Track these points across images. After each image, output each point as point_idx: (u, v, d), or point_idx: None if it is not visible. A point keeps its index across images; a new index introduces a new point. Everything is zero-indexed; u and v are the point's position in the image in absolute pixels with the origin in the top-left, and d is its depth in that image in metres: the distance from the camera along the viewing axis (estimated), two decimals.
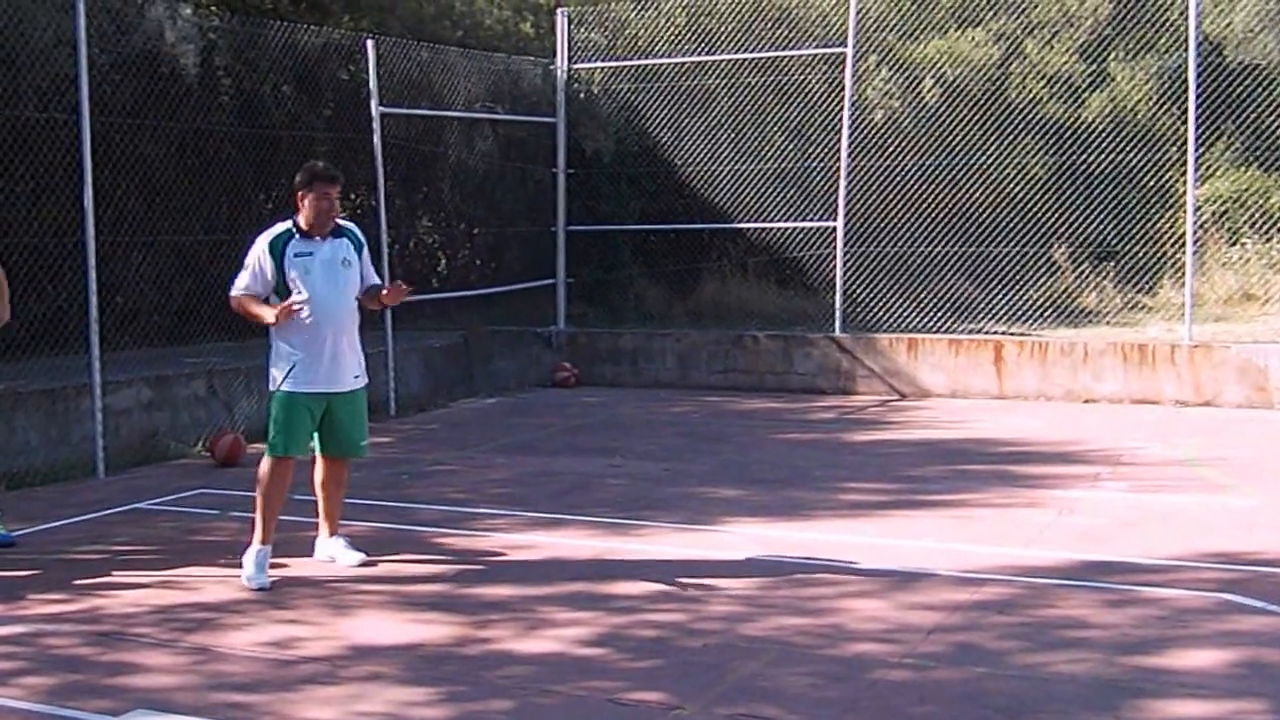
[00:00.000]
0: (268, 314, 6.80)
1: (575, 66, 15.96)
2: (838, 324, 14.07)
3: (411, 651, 5.59)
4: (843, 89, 14.20)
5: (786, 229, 15.38)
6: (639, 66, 16.00)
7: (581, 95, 16.42)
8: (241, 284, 6.97)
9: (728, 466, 9.94)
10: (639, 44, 16.24)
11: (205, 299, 13.77)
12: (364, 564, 7.04)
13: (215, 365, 11.70)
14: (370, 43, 12.77)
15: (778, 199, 15.53)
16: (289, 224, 6.97)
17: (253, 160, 14.60)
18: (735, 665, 5.37)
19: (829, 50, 14.71)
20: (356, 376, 7.02)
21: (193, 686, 5.16)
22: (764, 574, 6.80)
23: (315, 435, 6.98)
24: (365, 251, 7.16)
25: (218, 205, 14.96)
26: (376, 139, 12.80)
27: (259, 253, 6.90)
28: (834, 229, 14.21)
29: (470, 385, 14.44)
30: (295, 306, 6.72)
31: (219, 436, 10.34)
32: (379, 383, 12.92)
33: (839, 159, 14.16)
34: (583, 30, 16.05)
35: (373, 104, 12.75)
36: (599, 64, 16.10)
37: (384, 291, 7.14)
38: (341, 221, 7.08)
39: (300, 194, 6.94)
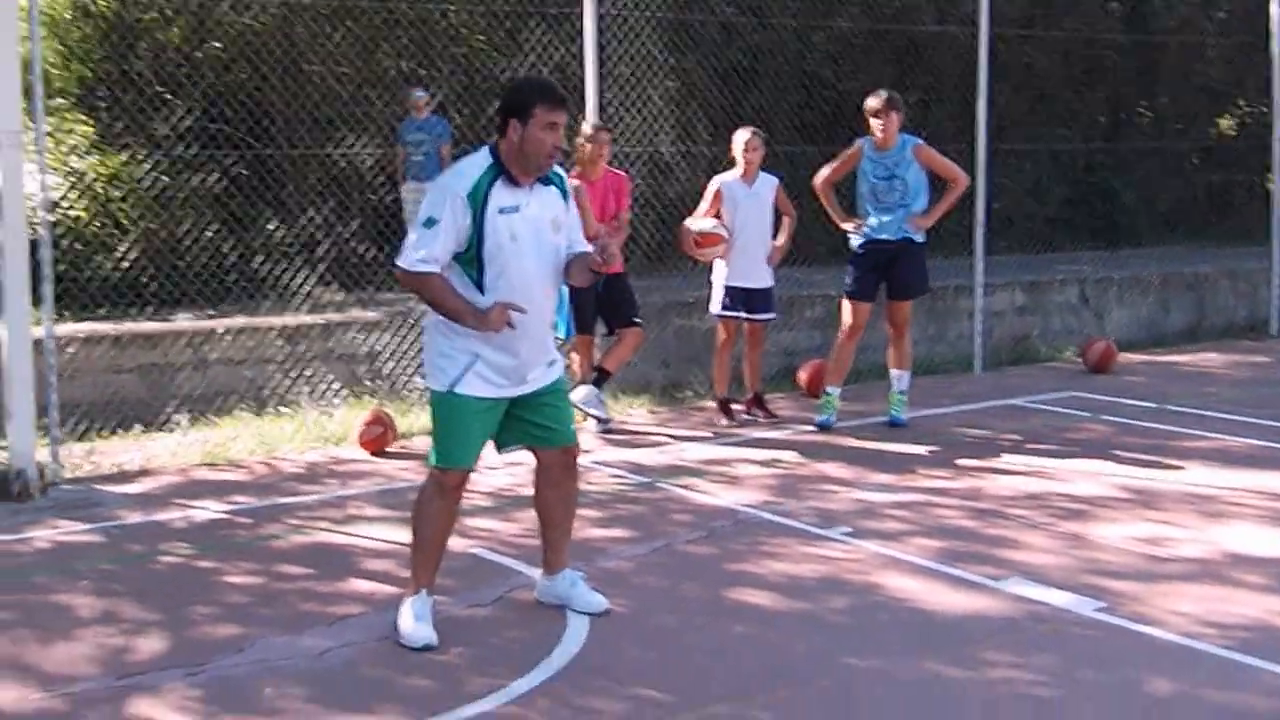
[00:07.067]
0: (471, 318, 4.51)
1: None
2: None
3: None
4: None
5: None
6: None
7: None
8: (423, 254, 4.47)
9: None
10: None
11: (1080, 208, 13.99)
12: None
13: (1088, 274, 11.86)
14: None
15: None
16: (488, 158, 4.54)
17: (1135, 68, 14.47)
18: None
19: None
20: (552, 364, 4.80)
21: (1066, 567, 5.49)
22: None
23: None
24: (574, 206, 4.87)
25: (1096, 114, 15.06)
26: (1276, 44, 12.02)
27: (449, 201, 4.46)
28: None
29: None
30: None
31: (1091, 343, 10.52)
32: (1261, 300, 12.39)
33: None
34: None
35: (1273, 4, 11.98)
36: None
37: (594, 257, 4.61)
38: None
39: (513, 120, 4.48)
